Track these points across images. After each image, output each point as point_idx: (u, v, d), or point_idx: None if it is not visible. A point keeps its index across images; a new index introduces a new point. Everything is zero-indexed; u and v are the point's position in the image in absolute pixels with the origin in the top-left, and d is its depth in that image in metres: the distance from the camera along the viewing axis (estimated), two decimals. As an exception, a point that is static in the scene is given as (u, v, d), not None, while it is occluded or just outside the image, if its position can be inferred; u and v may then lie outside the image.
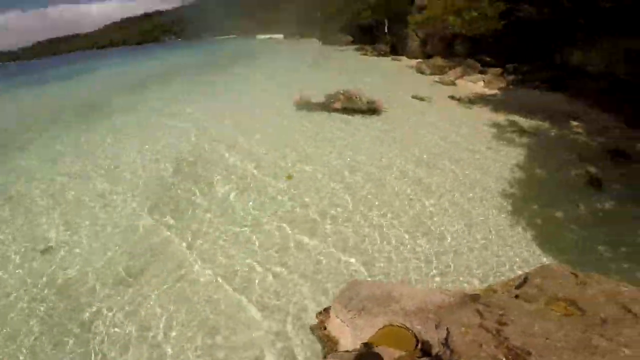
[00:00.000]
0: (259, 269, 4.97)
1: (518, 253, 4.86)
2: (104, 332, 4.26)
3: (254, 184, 7.33)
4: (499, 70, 14.71)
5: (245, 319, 4.24)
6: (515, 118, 9.93)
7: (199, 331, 4.13)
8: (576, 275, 3.03)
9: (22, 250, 6.04)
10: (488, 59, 16.04)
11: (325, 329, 3.51)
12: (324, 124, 10.82)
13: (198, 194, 7.16)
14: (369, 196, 6.56)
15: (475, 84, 14.02)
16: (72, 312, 4.61)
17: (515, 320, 2.60)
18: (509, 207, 5.85)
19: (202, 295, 4.61)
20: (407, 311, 2.93)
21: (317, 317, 3.73)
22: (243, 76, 21.92)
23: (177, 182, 7.76)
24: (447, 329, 2.69)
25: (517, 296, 2.97)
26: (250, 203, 6.65)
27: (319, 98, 12.50)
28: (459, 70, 15.79)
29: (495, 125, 9.51)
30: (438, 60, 18.43)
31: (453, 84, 14.49)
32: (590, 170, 6.74)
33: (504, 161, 7.42)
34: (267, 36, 49.10)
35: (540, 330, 2.52)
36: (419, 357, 2.66)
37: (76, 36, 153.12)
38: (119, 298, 4.71)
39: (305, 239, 5.51)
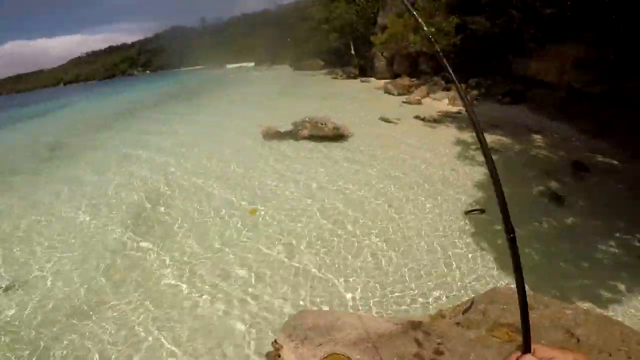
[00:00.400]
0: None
1: (477, 275, 4.73)
2: None
3: (217, 222, 7.01)
4: (462, 86, 15.25)
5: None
6: (479, 135, 10.18)
7: None
8: None
9: None
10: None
11: (279, 356, 3.50)
12: (289, 154, 10.73)
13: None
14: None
15: (440, 102, 14.47)
16: None
17: (452, 349, 2.65)
18: (471, 229, 5.78)
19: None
20: (348, 341, 2.99)
21: (272, 345, 3.73)
22: (210, 107, 21.94)
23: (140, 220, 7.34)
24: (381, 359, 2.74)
25: (458, 323, 2.97)
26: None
27: (287, 127, 12.51)
28: (424, 88, 16.34)
29: (459, 143, 9.69)
30: (404, 80, 19.07)
31: (419, 103, 14.91)
32: (552, 185, 6.84)
33: (465, 182, 7.44)
34: (237, 65, 49.79)
35: (477, 359, 2.50)
36: None
37: (40, 72, 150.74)
38: None
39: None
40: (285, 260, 5.54)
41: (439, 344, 2.71)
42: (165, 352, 4.03)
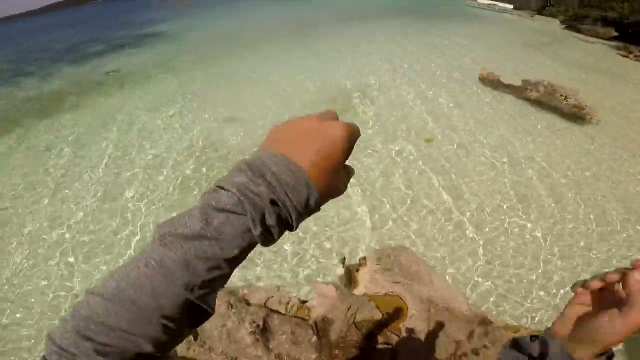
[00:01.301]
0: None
1: None
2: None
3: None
4: None
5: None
6: None
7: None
8: None
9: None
10: None
11: (357, 271, 3.98)
12: (500, 110, 9.38)
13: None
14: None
15: None
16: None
17: (490, 356, 2.69)
18: None
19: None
20: (418, 295, 3.16)
21: (359, 260, 4.26)
22: (437, 39, 20.68)
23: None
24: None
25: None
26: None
27: (513, 80, 10.69)
28: None
29: None
30: None
31: None
32: None
33: None
34: (490, 2, 42.86)
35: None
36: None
37: None
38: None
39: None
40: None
41: (484, 346, 2.78)
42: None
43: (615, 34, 28.66)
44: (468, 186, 6.11)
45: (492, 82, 10.81)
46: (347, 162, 0.50)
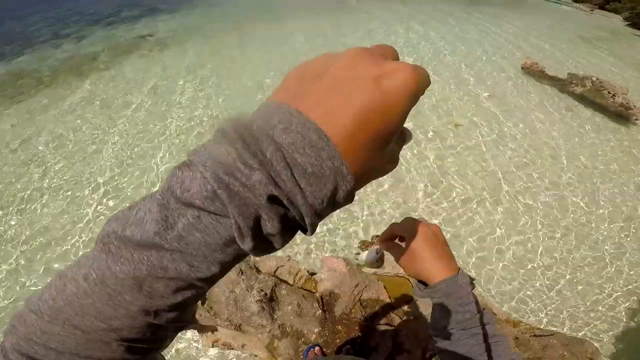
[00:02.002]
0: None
1: None
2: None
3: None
4: None
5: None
6: None
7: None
8: None
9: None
10: None
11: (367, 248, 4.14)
12: (542, 102, 9.06)
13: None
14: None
15: None
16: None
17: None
18: None
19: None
20: None
21: (371, 239, 4.51)
22: (486, 26, 19.75)
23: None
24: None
25: (517, 338, 2.90)
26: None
27: (559, 73, 10.24)
28: None
29: None
30: None
31: None
32: None
33: None
34: None
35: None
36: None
37: None
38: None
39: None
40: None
41: None
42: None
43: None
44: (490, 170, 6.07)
45: (535, 73, 10.38)
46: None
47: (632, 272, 4.64)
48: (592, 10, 40.15)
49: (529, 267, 4.60)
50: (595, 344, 3.09)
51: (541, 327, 3.52)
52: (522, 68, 10.70)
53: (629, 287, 4.45)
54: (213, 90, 8.85)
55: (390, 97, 0.27)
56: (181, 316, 0.33)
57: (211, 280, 0.30)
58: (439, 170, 6.04)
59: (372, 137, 0.28)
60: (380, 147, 0.29)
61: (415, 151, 6.38)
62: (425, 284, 0.72)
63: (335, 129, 0.26)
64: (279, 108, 0.27)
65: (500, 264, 4.58)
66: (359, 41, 12.91)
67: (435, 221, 4.69)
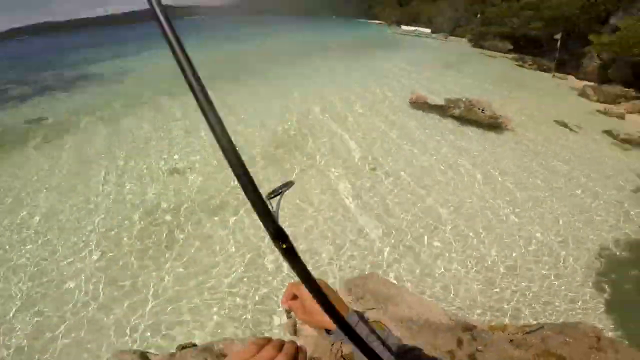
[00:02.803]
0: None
1: (587, 305, 4.44)
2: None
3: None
4: None
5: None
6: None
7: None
8: (598, 339, 2.94)
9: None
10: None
11: None
12: (428, 128, 10.89)
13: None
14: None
15: (657, 124, 11.40)
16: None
17: (488, 358, 2.80)
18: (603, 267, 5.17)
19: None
20: (396, 315, 3.25)
21: None
22: (372, 65, 23.04)
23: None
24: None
25: (512, 340, 3.02)
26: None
27: (439, 100, 12.48)
28: (639, 103, 13.07)
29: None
30: (614, 88, 15.52)
31: (621, 117, 12.14)
32: None
33: (631, 225, 6.31)
34: (413, 28, 48.99)
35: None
36: None
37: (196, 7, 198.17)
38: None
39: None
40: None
41: (478, 350, 2.82)
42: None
43: (510, 47, 34.25)
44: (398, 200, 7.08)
45: (421, 105, 12.47)
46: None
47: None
48: (446, 38, 49.48)
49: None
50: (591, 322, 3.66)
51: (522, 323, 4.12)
52: (410, 103, 12.75)
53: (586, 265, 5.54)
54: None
55: None
56: None
57: None
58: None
59: None
60: None
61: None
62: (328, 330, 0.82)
63: None
64: None
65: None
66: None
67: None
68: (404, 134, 10.42)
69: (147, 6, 0.40)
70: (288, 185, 0.69)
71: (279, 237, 0.49)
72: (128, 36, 65.90)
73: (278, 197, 0.62)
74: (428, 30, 49.01)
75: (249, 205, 0.45)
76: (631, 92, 14.86)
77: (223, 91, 15.16)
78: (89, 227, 6.61)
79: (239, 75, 19.34)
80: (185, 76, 0.42)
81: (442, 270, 5.28)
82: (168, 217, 6.68)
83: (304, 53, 27.25)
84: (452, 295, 4.85)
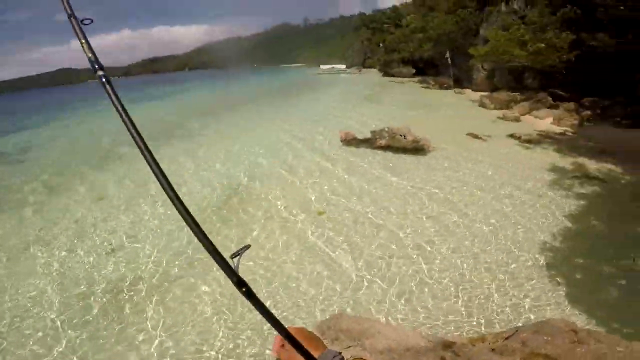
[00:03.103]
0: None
1: (540, 304, 4.82)
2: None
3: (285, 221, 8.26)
4: (572, 105, 14.01)
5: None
6: (582, 161, 9.46)
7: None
8: (575, 332, 3.10)
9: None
10: (562, 93, 15.40)
11: None
12: (358, 163, 11.52)
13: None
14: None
15: (543, 121, 13.53)
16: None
17: None
18: (547, 261, 5.74)
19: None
20: (375, 348, 3.26)
21: None
22: (299, 107, 24.10)
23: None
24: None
25: (493, 349, 3.12)
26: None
27: (366, 134, 13.35)
28: (525, 105, 15.41)
29: (555, 169, 9.17)
30: (503, 94, 18.17)
31: (517, 120, 14.18)
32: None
33: (554, 212, 7.19)
34: (330, 66, 53.08)
35: (496, 385, 2.68)
36: None
37: (171, 57, 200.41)
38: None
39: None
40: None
41: None
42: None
43: (413, 70, 38.72)
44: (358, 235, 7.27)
45: (350, 142, 13.21)
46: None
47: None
48: (359, 70, 54.26)
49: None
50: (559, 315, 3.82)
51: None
52: (341, 141, 13.42)
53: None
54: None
55: None
56: None
57: None
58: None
59: None
60: None
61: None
62: None
63: None
64: None
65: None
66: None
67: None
68: (338, 176, 10.78)
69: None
70: (246, 247, 0.89)
71: (240, 284, 0.74)
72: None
73: (238, 256, 0.81)
74: (343, 66, 53.39)
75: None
76: (517, 96, 17.53)
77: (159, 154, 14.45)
78: None
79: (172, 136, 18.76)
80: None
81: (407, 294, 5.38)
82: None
83: (229, 108, 27.42)
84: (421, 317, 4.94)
